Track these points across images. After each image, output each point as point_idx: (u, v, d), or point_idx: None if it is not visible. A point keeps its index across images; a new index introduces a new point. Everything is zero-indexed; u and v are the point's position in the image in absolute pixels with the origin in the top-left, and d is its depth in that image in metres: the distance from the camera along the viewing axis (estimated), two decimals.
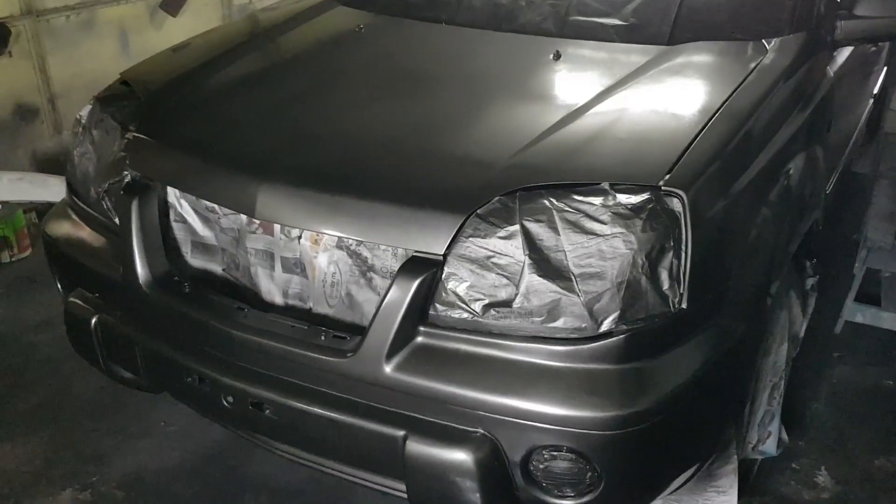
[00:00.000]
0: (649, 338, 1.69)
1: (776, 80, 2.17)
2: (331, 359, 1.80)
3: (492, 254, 1.71)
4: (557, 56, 2.30)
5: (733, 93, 2.04)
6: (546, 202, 1.71)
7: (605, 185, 1.72)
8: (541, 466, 1.73)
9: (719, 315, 1.81)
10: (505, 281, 1.70)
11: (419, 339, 1.76)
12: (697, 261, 1.71)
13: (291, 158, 1.97)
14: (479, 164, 1.87)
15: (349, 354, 1.78)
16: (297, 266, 1.99)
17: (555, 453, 1.70)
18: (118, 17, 4.96)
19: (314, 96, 2.24)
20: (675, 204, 1.70)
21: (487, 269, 1.72)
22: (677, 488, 1.94)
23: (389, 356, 1.75)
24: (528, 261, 1.68)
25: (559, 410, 1.65)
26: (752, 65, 2.20)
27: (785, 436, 2.48)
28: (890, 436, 2.80)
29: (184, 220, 2.14)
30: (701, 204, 1.74)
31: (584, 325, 1.67)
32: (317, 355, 1.82)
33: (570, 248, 1.68)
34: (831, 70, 2.53)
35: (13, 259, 3.92)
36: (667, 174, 1.73)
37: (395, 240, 1.79)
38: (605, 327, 1.66)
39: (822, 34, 2.48)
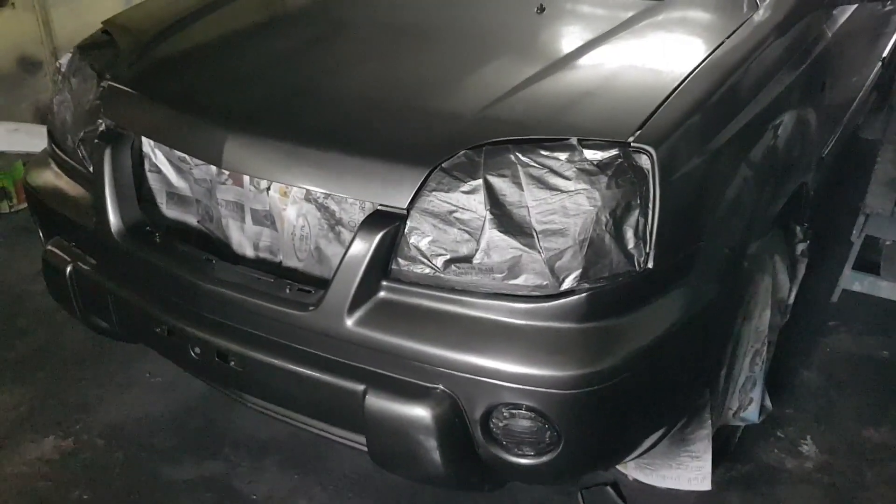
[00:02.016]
0: (613, 297, 1.65)
1: (765, 36, 2.10)
2: (293, 312, 1.79)
3: (454, 208, 1.68)
4: (541, 9, 2.24)
5: (716, 48, 1.98)
6: (512, 157, 1.67)
7: (573, 141, 1.67)
8: (500, 424, 1.71)
9: (690, 276, 1.77)
10: (467, 236, 1.67)
11: (381, 293, 1.74)
12: (666, 219, 1.67)
13: (258, 109, 1.94)
14: (447, 118, 1.83)
15: (311, 308, 1.77)
16: (266, 218, 1.98)
17: (514, 411, 1.68)
18: None
19: (285, 49, 2.21)
20: (644, 161, 1.66)
21: (450, 223, 1.68)
22: (644, 452, 1.91)
23: (351, 310, 1.73)
24: (489, 216, 1.65)
25: (518, 368, 1.63)
26: (741, 20, 2.13)
27: (769, 403, 2.45)
28: (880, 406, 2.76)
29: (159, 171, 2.13)
30: (672, 161, 1.69)
31: (545, 283, 1.64)
32: (280, 308, 1.81)
33: (533, 203, 1.64)
34: (829, 29, 2.45)
35: (12, 210, 3.94)
36: (637, 130, 1.69)
37: (359, 193, 1.76)
38: (566, 285, 1.63)
39: None
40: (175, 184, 2.11)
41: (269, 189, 1.94)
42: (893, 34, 3.70)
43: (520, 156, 1.67)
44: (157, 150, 2.11)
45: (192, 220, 2.12)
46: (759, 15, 2.18)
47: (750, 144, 1.96)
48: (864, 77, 3.22)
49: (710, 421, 2.08)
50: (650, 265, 1.66)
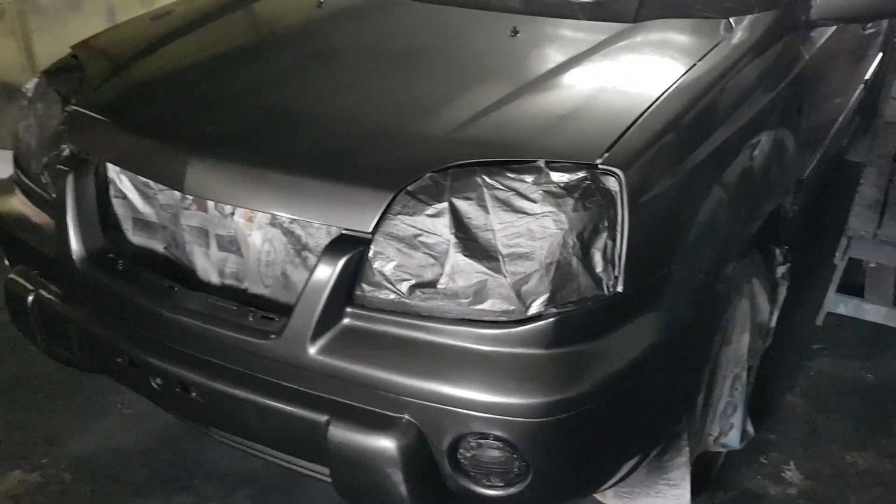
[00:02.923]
0: (582, 322, 1.61)
1: (738, 58, 2.08)
2: (255, 340, 1.74)
3: (419, 232, 1.64)
4: (515, 32, 2.22)
5: (689, 70, 1.96)
6: (478, 179, 1.64)
7: (541, 163, 1.64)
8: (468, 454, 1.66)
9: (662, 300, 1.73)
10: (432, 261, 1.63)
11: (345, 320, 1.69)
12: (636, 243, 1.63)
13: (221, 132, 1.91)
14: (414, 140, 1.79)
15: (273, 336, 1.72)
16: (232, 244, 1.93)
17: (482, 441, 1.63)
18: None
19: (250, 74, 2.17)
20: (612, 183, 1.63)
21: (415, 248, 1.64)
22: (619, 481, 1.86)
23: (314, 338, 1.68)
24: (454, 240, 1.61)
25: (485, 396, 1.58)
26: (715, 42, 2.11)
27: (751, 428, 2.40)
28: (865, 431, 2.71)
29: (124, 196, 2.08)
30: (641, 183, 1.66)
31: (511, 308, 1.59)
32: (242, 336, 1.76)
33: (499, 227, 1.60)
34: (806, 51, 2.43)
35: None
36: (605, 152, 1.66)
37: (322, 217, 1.72)
38: (533, 310, 1.59)
39: (796, 13, 2.38)
40: (141, 210, 2.07)
41: (233, 214, 1.90)
42: (876, 57, 3.70)
43: (486, 178, 1.64)
44: (122, 176, 2.07)
45: (158, 246, 2.07)
46: (735, 37, 2.16)
47: (723, 166, 1.93)
48: (846, 99, 3.21)
49: (687, 448, 2.04)
50: (619, 289, 1.62)
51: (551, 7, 2.37)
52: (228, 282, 1.97)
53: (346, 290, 1.68)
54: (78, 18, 4.76)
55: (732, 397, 2.26)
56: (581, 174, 1.61)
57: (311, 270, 1.68)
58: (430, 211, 1.63)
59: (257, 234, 1.88)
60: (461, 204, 1.62)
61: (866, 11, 2.41)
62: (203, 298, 1.87)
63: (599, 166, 1.63)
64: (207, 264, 1.99)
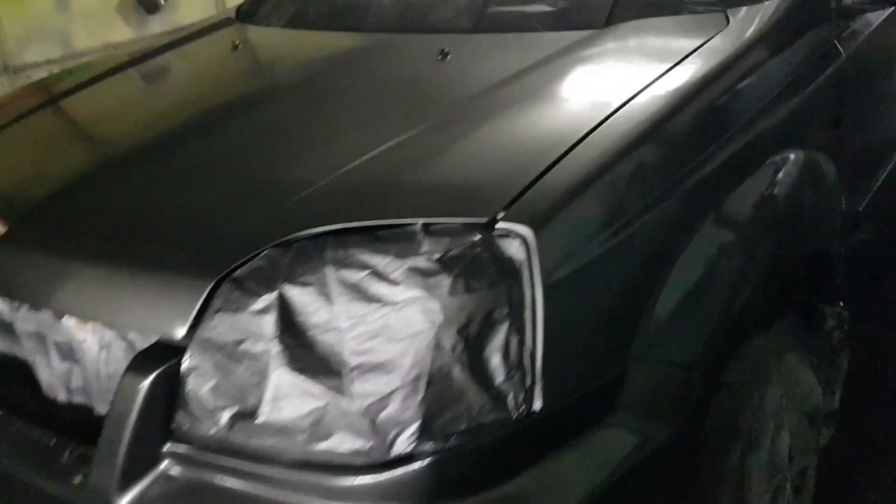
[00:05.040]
0: (479, 461, 1.07)
1: (732, 61, 1.53)
2: (59, 488, 1.27)
3: (242, 337, 1.14)
4: (444, 55, 1.72)
5: (652, 83, 1.42)
6: (326, 255, 1.14)
7: (417, 226, 1.13)
8: None
9: (616, 416, 1.17)
10: (255, 379, 1.13)
11: (163, 464, 1.20)
12: (559, 334, 1.10)
13: (27, 220, 1.48)
14: (259, 205, 1.31)
15: (77, 481, 1.25)
16: (71, 353, 1.49)
17: None
18: None
19: (57, 150, 1.77)
20: (515, 249, 1.10)
21: (237, 360, 1.15)
22: None
23: (122, 488, 1.20)
24: (277, 347, 1.10)
25: None
26: (699, 43, 1.56)
27: None
28: None
29: None
30: (565, 246, 1.13)
31: (366, 446, 1.07)
32: (47, 481, 1.30)
33: (346, 324, 1.09)
34: (844, 47, 1.84)
35: None
36: (509, 204, 1.13)
37: (131, 320, 1.26)
38: (399, 448, 1.06)
39: None
40: None
41: (63, 315, 1.45)
42: None
43: (335, 253, 1.14)
44: None
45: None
46: (730, 34, 1.61)
47: (712, 205, 1.37)
48: None
49: None
50: (536, 407, 1.08)
51: (506, 22, 1.88)
52: (77, 399, 1.51)
53: (160, 422, 1.20)
54: None
55: None
56: (467, 239, 1.09)
57: (113, 396, 1.22)
58: (257, 305, 1.14)
59: (93, 339, 1.42)
60: (294, 293, 1.12)
61: None
62: (19, 429, 1.43)
63: (497, 226, 1.11)
64: (52, 378, 1.54)
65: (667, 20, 1.72)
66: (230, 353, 1.15)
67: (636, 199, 1.24)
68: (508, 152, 1.29)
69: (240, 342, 1.14)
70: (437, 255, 1.08)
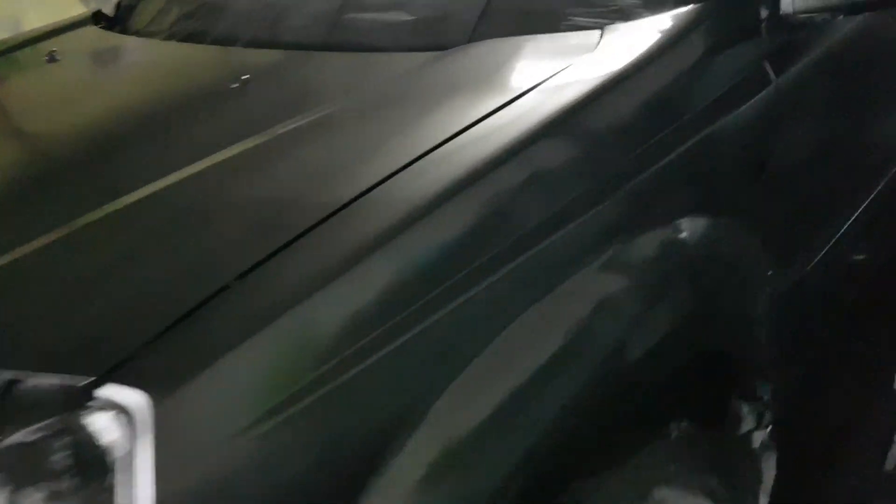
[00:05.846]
0: None
1: (580, 98, 1.13)
2: None
3: None
4: (241, 83, 1.35)
5: (453, 138, 1.04)
6: None
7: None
8: None
9: None
10: None
11: None
12: None
13: None
14: None
15: None
16: None
17: None
18: None
19: None
20: (114, 429, 0.73)
21: None
22: None
23: None
24: None
25: None
26: (545, 75, 1.17)
27: None
28: None
29: None
30: (205, 416, 0.76)
31: None
32: None
33: None
34: (773, 68, 1.42)
35: None
36: (125, 360, 0.76)
37: None
38: None
39: (745, 7, 1.41)
40: None
41: None
42: None
43: None
44: None
45: None
46: (591, 60, 1.21)
47: (518, 303, 0.98)
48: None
49: None
50: None
51: (353, 40, 1.49)
52: None
53: None
54: None
55: None
56: (49, 416, 0.73)
57: None
58: None
59: None
60: None
61: None
62: None
63: (95, 393, 0.74)
64: None
65: (531, 39, 1.33)
66: None
67: (373, 322, 0.86)
68: (200, 254, 0.92)
69: None
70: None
